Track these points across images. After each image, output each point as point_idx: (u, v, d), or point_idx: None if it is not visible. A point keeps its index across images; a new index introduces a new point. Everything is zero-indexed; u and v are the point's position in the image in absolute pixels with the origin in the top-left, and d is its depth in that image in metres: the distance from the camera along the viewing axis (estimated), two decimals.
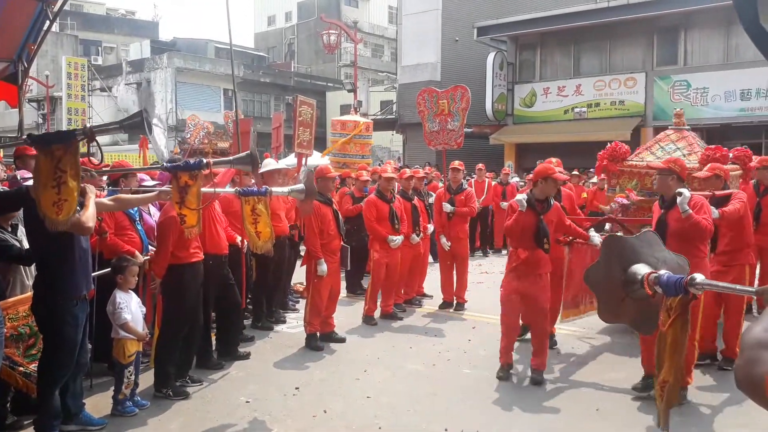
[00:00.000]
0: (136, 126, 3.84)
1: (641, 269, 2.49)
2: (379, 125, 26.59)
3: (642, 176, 6.97)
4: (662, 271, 2.44)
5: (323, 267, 6.36)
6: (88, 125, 3.75)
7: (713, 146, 6.79)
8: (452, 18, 23.89)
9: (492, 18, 22.15)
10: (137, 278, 4.89)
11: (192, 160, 4.27)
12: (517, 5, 24.48)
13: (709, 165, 5.95)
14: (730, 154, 6.75)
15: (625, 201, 6.95)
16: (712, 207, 5.16)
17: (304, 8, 46.18)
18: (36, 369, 4.13)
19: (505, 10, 23.43)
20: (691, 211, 4.79)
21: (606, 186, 8.30)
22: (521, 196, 5.36)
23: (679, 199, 4.84)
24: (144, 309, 4.94)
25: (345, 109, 16.59)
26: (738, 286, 2.47)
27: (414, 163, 20.74)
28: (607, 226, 7.07)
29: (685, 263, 2.59)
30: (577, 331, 7.07)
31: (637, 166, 7.01)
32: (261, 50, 47.54)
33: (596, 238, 5.94)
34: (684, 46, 18.74)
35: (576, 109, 20.35)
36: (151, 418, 4.62)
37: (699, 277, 2.33)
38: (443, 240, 8.01)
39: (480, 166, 13.63)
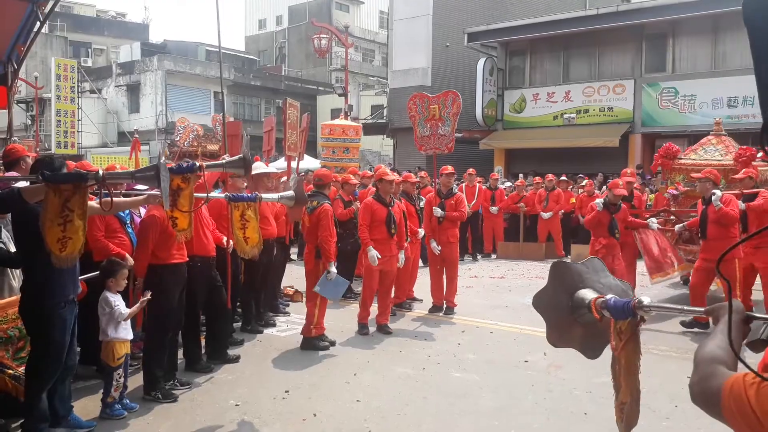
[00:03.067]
0: (148, 179, 3.84)
1: (588, 294, 2.49)
2: (370, 129, 26.65)
3: (688, 172, 8.51)
4: (609, 296, 2.44)
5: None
6: (100, 174, 3.73)
7: (745, 147, 8.31)
8: (443, 23, 23.97)
9: (482, 24, 22.24)
10: (126, 281, 4.88)
11: (185, 163, 4.26)
12: (508, 12, 24.60)
13: (743, 170, 7.61)
14: (759, 154, 7.97)
15: (675, 192, 8.76)
16: (739, 201, 7.09)
17: (295, 12, 46.20)
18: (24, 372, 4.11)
19: (495, 16, 23.54)
20: (722, 205, 6.80)
21: (605, 188, 9.70)
22: (599, 200, 7.90)
23: (713, 198, 6.90)
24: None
25: (336, 113, 16.58)
26: (686, 307, 2.51)
27: (404, 167, 20.80)
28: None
29: (628, 288, 2.60)
30: None
31: (685, 164, 8.63)
32: (252, 53, 47.49)
33: (653, 223, 8.13)
34: (672, 53, 18.89)
35: (565, 115, 20.45)
36: (140, 421, 4.60)
37: (646, 300, 2.34)
38: (433, 244, 8.03)
39: (470, 171, 13.70)
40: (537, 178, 14.74)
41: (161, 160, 3.82)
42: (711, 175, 7.15)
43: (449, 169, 8.43)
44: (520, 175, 16.81)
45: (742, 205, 7.06)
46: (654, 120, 18.93)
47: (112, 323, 4.60)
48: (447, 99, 8.40)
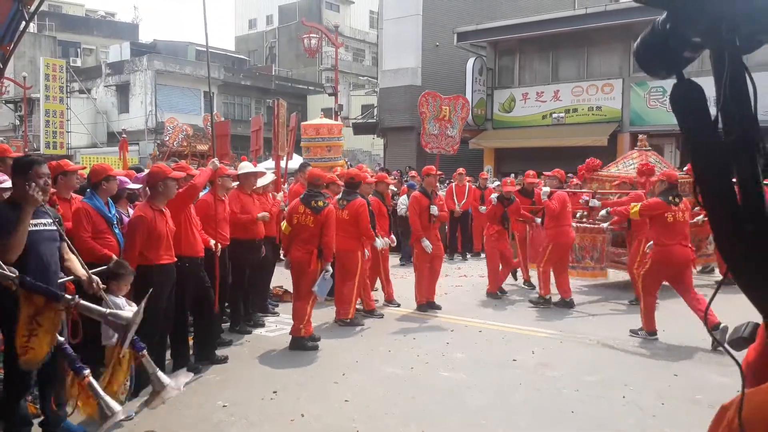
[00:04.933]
0: (118, 327, 3.77)
1: None
2: (360, 129, 26.67)
3: (604, 182, 10.07)
4: None
5: (426, 242, 7.95)
6: (75, 300, 3.64)
7: (645, 163, 9.40)
8: (433, 23, 24.00)
9: (472, 24, 22.29)
10: (128, 285, 4.82)
11: (61, 280, 4.00)
12: (497, 11, 24.66)
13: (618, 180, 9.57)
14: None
15: (586, 198, 9.84)
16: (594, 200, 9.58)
17: (285, 12, 46.11)
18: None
19: (484, 16, 23.59)
20: (546, 198, 8.46)
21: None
22: (494, 195, 9.11)
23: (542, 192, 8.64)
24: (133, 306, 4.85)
25: (326, 113, 16.58)
26: None
27: (395, 167, 20.80)
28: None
29: None
30: (555, 333, 7.14)
31: (601, 175, 10.00)
32: (242, 53, 47.36)
33: (538, 219, 9.30)
34: None
35: (554, 115, 20.53)
36: (127, 423, 4.58)
37: None
38: (426, 242, 8.05)
39: (461, 170, 13.73)
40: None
41: (137, 318, 3.79)
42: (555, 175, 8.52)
43: (434, 170, 8.48)
44: (511, 175, 16.84)
45: (596, 202, 9.58)
46: (642, 119, 19.03)
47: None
48: (458, 103, 8.78)
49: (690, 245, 6.93)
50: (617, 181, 9.54)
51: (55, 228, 4.03)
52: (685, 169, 10.29)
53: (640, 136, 10.63)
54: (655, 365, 6.06)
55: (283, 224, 6.96)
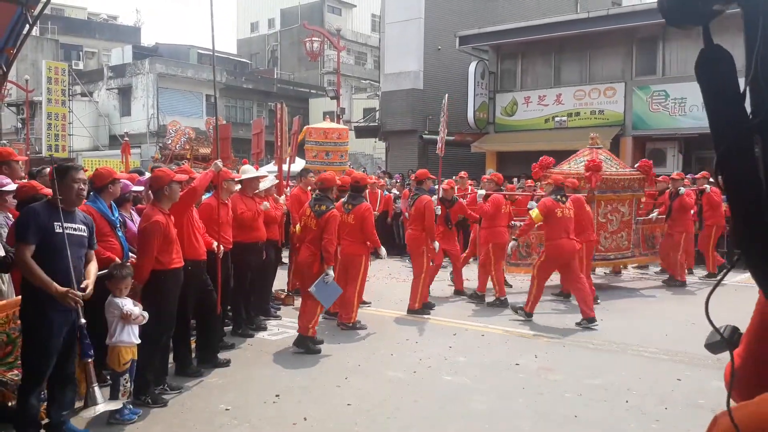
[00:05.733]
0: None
1: None
2: (362, 132, 26.64)
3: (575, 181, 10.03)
4: None
5: (436, 244, 8.31)
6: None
7: (593, 159, 9.69)
8: (435, 27, 23.99)
9: (474, 27, 22.28)
10: (129, 286, 4.83)
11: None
12: (499, 15, 24.65)
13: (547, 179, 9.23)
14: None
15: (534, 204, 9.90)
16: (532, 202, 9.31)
17: (288, 15, 46.17)
18: (12, 377, 4.08)
19: (486, 19, 23.59)
20: (480, 200, 9.17)
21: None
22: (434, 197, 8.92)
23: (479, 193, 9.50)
24: (140, 306, 4.85)
25: (328, 116, 16.61)
26: None
27: (397, 170, 20.81)
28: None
29: None
30: (557, 337, 7.13)
31: (552, 173, 9.81)
32: (244, 56, 47.42)
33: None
34: (662, 56, 18.96)
35: (556, 118, 20.50)
36: (130, 426, 4.58)
37: None
38: (436, 245, 8.37)
39: (463, 173, 13.71)
40: (529, 181, 14.76)
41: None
42: (553, 181, 8.46)
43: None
44: (515, 180, 16.84)
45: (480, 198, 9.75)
46: (645, 123, 19.00)
47: (120, 326, 4.58)
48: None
49: (576, 239, 7.86)
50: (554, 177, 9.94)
51: (85, 234, 4.21)
52: (636, 165, 10.69)
53: (592, 134, 10.98)
54: (658, 369, 6.05)
55: (297, 226, 7.35)
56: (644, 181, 10.37)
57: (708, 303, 1.18)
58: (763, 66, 1.03)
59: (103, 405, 4.11)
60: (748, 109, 1.06)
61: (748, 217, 1.08)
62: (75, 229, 4.11)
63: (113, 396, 4.56)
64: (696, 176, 12.45)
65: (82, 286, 4.05)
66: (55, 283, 3.87)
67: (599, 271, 11.33)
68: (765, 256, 1.08)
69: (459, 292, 9.74)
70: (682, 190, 10.54)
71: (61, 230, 3.96)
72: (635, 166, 10.70)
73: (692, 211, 10.90)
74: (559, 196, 7.90)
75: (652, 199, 11.79)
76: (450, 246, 9.45)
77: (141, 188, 6.19)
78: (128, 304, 4.66)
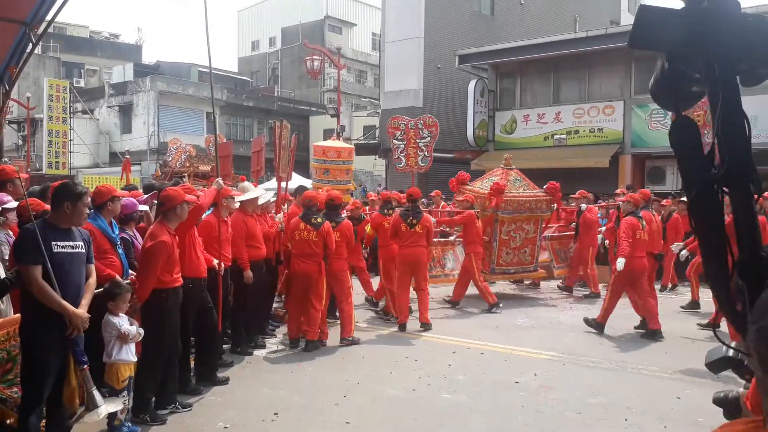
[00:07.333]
0: None
1: None
2: (362, 150, 26.71)
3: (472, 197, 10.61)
4: None
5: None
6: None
7: (497, 183, 10.44)
8: (434, 45, 24.17)
9: (473, 46, 22.45)
10: (127, 304, 4.82)
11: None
12: (498, 34, 24.85)
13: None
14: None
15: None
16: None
17: (288, 34, 46.46)
18: (11, 394, 4.08)
19: (486, 38, 23.77)
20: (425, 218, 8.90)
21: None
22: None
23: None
24: (137, 324, 4.85)
25: (328, 134, 16.67)
26: None
27: (396, 187, 20.83)
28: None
29: None
30: (557, 355, 7.11)
31: (466, 188, 10.76)
32: (245, 74, 47.67)
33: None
34: None
35: (555, 136, 20.59)
36: None
37: None
38: None
39: (436, 191, 14.03)
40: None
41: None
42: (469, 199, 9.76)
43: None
44: None
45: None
46: (643, 141, 19.08)
47: (117, 345, 4.58)
48: (426, 121, 10.29)
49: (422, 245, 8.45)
50: (462, 198, 10.49)
51: (84, 250, 4.22)
52: (544, 187, 11.09)
53: (506, 155, 11.89)
54: (658, 387, 6.03)
55: (290, 243, 7.57)
56: (551, 202, 11.00)
57: (716, 326, 1.33)
58: (723, 130, 1.26)
59: (104, 407, 4.12)
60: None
61: (713, 249, 1.31)
62: (73, 247, 4.11)
63: (112, 414, 4.55)
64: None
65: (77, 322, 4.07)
66: (69, 305, 3.92)
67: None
68: (725, 285, 1.29)
69: (369, 299, 10.16)
70: (584, 206, 11.26)
71: (59, 249, 3.98)
72: (543, 188, 11.15)
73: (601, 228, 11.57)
74: (409, 219, 8.47)
75: (572, 216, 12.19)
76: (356, 261, 9.38)
77: (146, 207, 6.19)
78: (125, 324, 4.65)
